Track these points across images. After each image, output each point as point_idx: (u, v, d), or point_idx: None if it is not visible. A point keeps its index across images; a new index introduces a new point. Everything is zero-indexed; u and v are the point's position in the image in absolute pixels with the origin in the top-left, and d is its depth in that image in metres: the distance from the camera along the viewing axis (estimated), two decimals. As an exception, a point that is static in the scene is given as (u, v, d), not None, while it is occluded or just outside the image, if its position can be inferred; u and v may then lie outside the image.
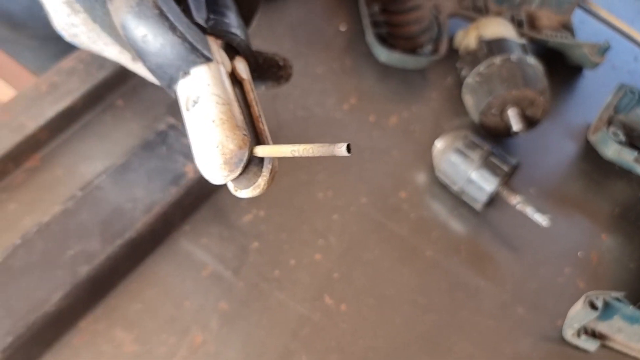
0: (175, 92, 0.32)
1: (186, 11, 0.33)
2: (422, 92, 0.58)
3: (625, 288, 0.50)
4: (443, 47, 0.56)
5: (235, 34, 0.34)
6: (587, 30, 0.67)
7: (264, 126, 0.31)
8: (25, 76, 0.53)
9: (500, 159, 0.49)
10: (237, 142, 0.28)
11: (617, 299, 0.44)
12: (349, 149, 0.25)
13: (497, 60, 0.52)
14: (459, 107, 0.57)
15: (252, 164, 0.29)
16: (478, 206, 0.50)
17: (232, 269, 0.46)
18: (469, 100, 0.54)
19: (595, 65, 0.61)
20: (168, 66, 0.31)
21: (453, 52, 0.59)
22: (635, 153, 0.53)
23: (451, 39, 0.59)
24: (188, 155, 0.46)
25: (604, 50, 0.59)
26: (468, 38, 0.57)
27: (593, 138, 0.56)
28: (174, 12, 0.31)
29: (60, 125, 0.49)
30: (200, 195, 0.47)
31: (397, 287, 0.47)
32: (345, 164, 0.52)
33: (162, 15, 0.30)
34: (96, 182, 0.44)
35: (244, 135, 0.29)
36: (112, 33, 0.36)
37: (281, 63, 0.38)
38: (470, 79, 0.53)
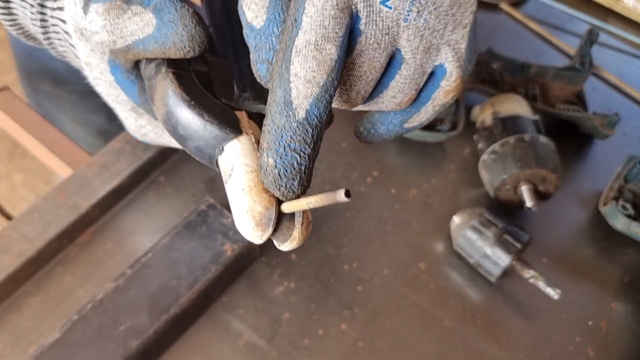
0: (218, 169, 0.35)
1: (215, 92, 0.37)
2: (441, 165, 0.62)
3: (634, 356, 0.53)
4: (461, 124, 0.60)
5: (262, 104, 0.37)
6: (599, 97, 0.71)
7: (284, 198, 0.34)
8: (78, 152, 0.58)
9: (513, 237, 0.53)
10: (264, 204, 0.31)
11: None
12: (347, 194, 0.27)
13: (512, 139, 0.56)
14: (475, 178, 0.60)
15: (284, 219, 0.32)
16: (493, 279, 0.53)
17: (265, 338, 0.50)
18: (484, 175, 0.58)
19: (605, 136, 0.64)
20: (205, 147, 0.34)
21: (470, 124, 0.63)
22: (643, 225, 0.57)
23: (468, 112, 0.63)
24: (227, 234, 0.51)
25: (613, 123, 0.63)
26: (484, 114, 0.61)
27: (603, 210, 0.59)
28: (203, 99, 0.34)
29: (110, 202, 0.54)
30: (237, 270, 0.52)
31: (417, 355, 0.51)
32: (369, 236, 0.56)
33: (192, 105, 0.34)
34: (144, 260, 0.49)
35: (270, 197, 0.31)
36: None
37: None
38: (486, 156, 0.57)
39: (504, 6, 0.78)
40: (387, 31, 0.30)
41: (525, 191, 0.55)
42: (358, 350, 0.50)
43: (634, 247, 0.59)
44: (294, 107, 0.28)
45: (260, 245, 0.54)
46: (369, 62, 0.31)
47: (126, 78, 0.39)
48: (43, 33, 0.42)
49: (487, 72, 0.66)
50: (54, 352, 0.45)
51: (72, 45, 0.40)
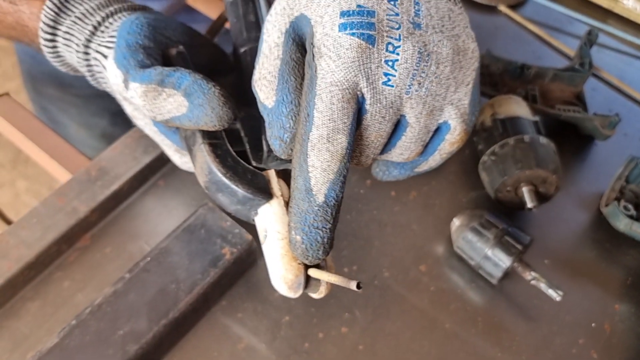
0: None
1: (245, 155, 0.42)
2: (441, 166, 0.61)
3: (638, 358, 0.52)
4: (460, 125, 0.60)
5: (288, 162, 0.41)
6: (599, 98, 0.70)
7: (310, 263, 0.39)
8: (77, 157, 0.58)
9: (514, 238, 0.52)
10: (294, 272, 0.37)
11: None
12: (359, 286, 0.34)
13: (511, 140, 0.56)
14: (476, 180, 0.60)
15: (312, 279, 0.37)
16: (494, 281, 0.53)
17: (265, 342, 0.50)
18: (485, 177, 0.58)
19: (606, 137, 0.64)
20: (242, 210, 0.40)
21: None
22: (645, 226, 0.56)
23: (468, 114, 0.63)
24: (225, 238, 0.50)
25: (614, 124, 0.62)
26: (484, 115, 0.61)
27: (605, 210, 0.59)
28: (236, 170, 0.39)
29: (109, 206, 0.54)
30: (236, 274, 0.52)
31: (417, 358, 0.50)
32: (369, 239, 0.56)
33: (227, 176, 0.39)
34: (142, 264, 0.49)
35: (299, 264, 0.37)
36: None
37: None
38: (486, 158, 0.57)
39: (503, 8, 0.78)
40: (390, 105, 0.34)
41: (525, 192, 0.55)
42: (358, 354, 0.50)
43: (636, 248, 0.59)
44: (313, 193, 0.33)
45: (259, 249, 0.53)
46: (376, 132, 0.35)
47: (168, 129, 0.44)
48: (88, 71, 0.46)
49: (487, 74, 0.66)
50: (52, 357, 0.44)
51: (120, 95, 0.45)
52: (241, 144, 0.43)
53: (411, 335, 0.51)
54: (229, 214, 0.51)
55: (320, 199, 0.33)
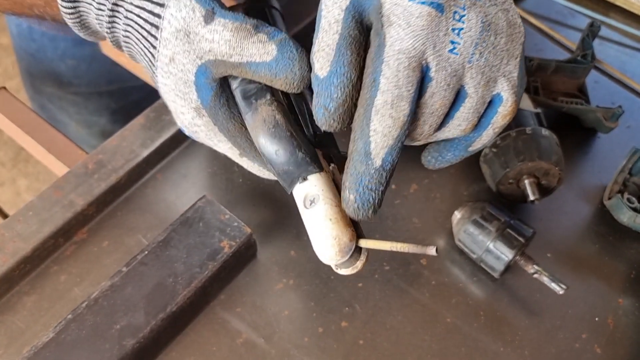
0: (292, 191, 0.41)
1: (300, 128, 0.42)
2: (442, 159, 0.61)
3: (641, 352, 0.52)
4: (461, 118, 0.59)
5: (333, 148, 0.43)
6: (601, 90, 0.70)
7: (358, 221, 0.40)
8: (74, 151, 0.58)
9: (516, 231, 0.52)
10: (349, 236, 0.38)
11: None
12: (437, 250, 0.35)
13: (513, 132, 0.55)
14: (477, 173, 0.59)
15: (355, 251, 0.39)
16: (496, 274, 0.52)
17: (264, 337, 0.49)
18: (486, 170, 0.57)
19: (609, 129, 0.63)
20: (292, 172, 0.40)
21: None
22: (649, 219, 0.55)
23: (469, 107, 0.62)
24: (224, 231, 0.50)
25: (617, 115, 0.62)
26: (485, 107, 0.60)
27: (608, 203, 0.58)
28: (298, 133, 0.40)
29: (106, 200, 0.54)
30: (235, 267, 0.51)
31: (418, 353, 0.50)
32: (369, 232, 0.55)
33: (292, 136, 0.39)
34: (140, 257, 0.48)
35: (353, 231, 0.38)
36: (227, 134, 0.44)
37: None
38: (487, 150, 0.56)
39: (505, 1, 0.77)
40: (454, 73, 0.35)
41: (528, 185, 0.54)
42: (359, 348, 0.49)
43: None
44: (372, 157, 0.35)
45: (259, 243, 0.53)
46: (441, 100, 0.36)
47: (208, 83, 0.42)
48: (110, 17, 0.44)
49: (488, 66, 0.65)
50: (48, 352, 0.44)
51: (154, 37, 0.43)
52: (295, 119, 0.43)
53: (412, 330, 0.51)
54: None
55: (378, 162, 0.35)
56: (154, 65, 0.44)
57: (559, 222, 0.59)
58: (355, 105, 0.37)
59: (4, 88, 0.64)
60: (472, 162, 0.61)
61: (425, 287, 0.53)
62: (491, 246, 0.51)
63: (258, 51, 0.39)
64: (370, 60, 0.36)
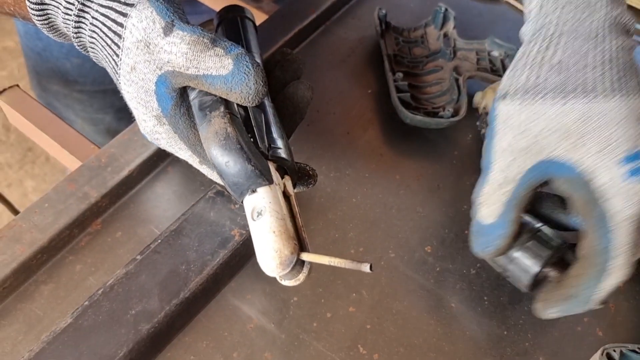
0: (242, 203, 0.43)
1: (254, 141, 0.44)
2: (445, 151, 0.63)
3: (642, 335, 0.53)
4: (463, 110, 0.60)
5: (287, 160, 0.45)
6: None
7: (304, 234, 0.43)
8: (87, 146, 0.60)
9: (543, 240, 0.48)
10: (291, 249, 0.39)
11: (635, 351, 0.47)
12: (371, 267, 0.38)
13: (514, 122, 0.56)
14: (479, 163, 0.61)
15: (297, 264, 0.40)
16: (523, 288, 0.50)
17: (274, 322, 0.51)
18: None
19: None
20: (241, 184, 0.41)
21: (473, 110, 0.64)
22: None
23: (470, 99, 0.64)
24: (234, 220, 0.51)
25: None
26: (486, 99, 0.61)
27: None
28: (249, 146, 0.41)
29: (119, 192, 0.55)
30: (245, 255, 0.52)
31: (424, 336, 0.51)
32: (375, 222, 0.57)
33: (242, 149, 0.40)
34: (153, 246, 0.50)
35: (295, 244, 0.40)
36: (187, 143, 0.45)
37: (311, 172, 0.49)
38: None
39: (505, -4, 0.79)
40: None
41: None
42: (366, 332, 0.51)
43: None
44: (592, 305, 0.45)
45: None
46: None
47: (168, 93, 0.44)
48: (76, 22, 0.45)
49: (489, 60, 0.67)
50: (66, 337, 0.45)
51: (117, 45, 0.43)
52: (249, 131, 0.44)
53: (417, 314, 0.52)
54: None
55: (592, 305, 0.44)
56: (117, 73, 0.45)
57: (560, 210, 0.60)
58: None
59: (17, 85, 0.66)
60: (475, 153, 0.62)
61: (430, 274, 0.54)
62: (515, 255, 0.48)
63: (214, 65, 0.40)
64: (591, 227, 0.42)
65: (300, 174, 0.49)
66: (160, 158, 0.58)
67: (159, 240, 0.50)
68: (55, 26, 0.49)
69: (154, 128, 0.47)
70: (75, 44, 0.48)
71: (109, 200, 0.55)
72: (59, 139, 0.60)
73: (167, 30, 0.42)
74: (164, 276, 0.49)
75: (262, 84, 0.41)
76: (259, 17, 0.71)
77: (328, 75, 0.67)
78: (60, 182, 0.54)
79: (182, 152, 0.49)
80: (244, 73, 0.40)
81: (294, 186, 0.47)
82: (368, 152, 0.61)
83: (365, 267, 0.38)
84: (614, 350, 0.47)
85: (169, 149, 0.49)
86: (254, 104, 0.42)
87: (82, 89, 0.94)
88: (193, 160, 0.49)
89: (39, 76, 0.96)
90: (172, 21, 0.42)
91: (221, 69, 0.41)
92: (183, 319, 0.49)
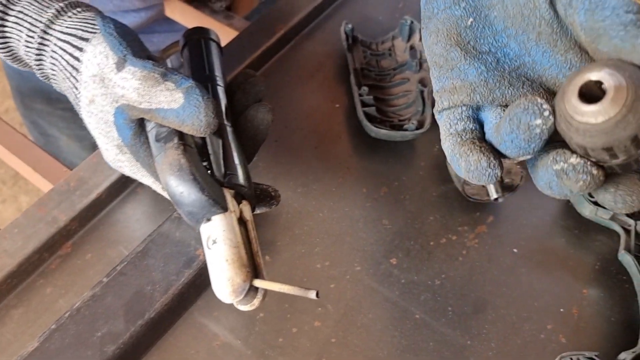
0: (199, 231, 0.44)
1: (209, 168, 0.45)
2: (411, 162, 0.63)
3: (606, 342, 0.54)
4: (427, 122, 0.61)
5: (244, 186, 0.46)
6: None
7: (260, 260, 0.44)
8: (59, 169, 0.61)
9: None
10: (243, 277, 0.41)
11: (591, 359, 0.48)
12: (317, 295, 0.40)
13: (474, 134, 0.57)
14: (445, 174, 0.62)
15: (251, 289, 0.42)
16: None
17: (241, 339, 0.52)
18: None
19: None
20: (196, 213, 0.42)
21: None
22: (610, 212, 0.57)
23: (436, 110, 0.65)
24: (199, 240, 0.52)
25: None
26: (450, 110, 0.62)
27: (571, 198, 0.60)
28: (203, 176, 0.42)
29: (88, 215, 0.56)
30: (210, 274, 0.53)
31: (388, 349, 0.52)
32: (341, 235, 0.58)
33: (195, 179, 0.41)
34: (119, 268, 0.51)
35: (248, 271, 0.41)
36: (149, 170, 0.47)
37: (273, 193, 0.50)
38: (451, 152, 0.59)
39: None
40: None
41: (490, 184, 0.56)
42: (331, 346, 0.52)
43: (605, 234, 0.60)
44: None
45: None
46: None
47: (126, 124, 0.46)
48: (37, 54, 0.47)
49: (455, 70, 0.67)
50: (34, 360, 0.47)
51: (75, 79, 0.45)
52: (204, 159, 0.46)
53: (382, 327, 0.53)
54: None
55: None
56: (78, 105, 0.47)
57: (526, 218, 0.61)
58: None
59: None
60: (441, 164, 0.63)
61: (395, 286, 0.55)
62: None
63: (166, 99, 0.42)
64: None
65: (262, 196, 0.51)
66: (130, 180, 0.59)
67: (125, 262, 0.51)
68: (17, 57, 0.50)
69: (116, 157, 0.49)
70: (38, 75, 0.50)
71: (79, 223, 0.56)
72: (32, 164, 0.62)
73: (120, 65, 0.43)
74: (130, 297, 0.50)
75: (212, 115, 0.42)
76: (231, 34, 0.72)
77: (297, 90, 0.68)
78: (30, 207, 0.55)
79: (145, 178, 0.50)
80: (195, 106, 0.42)
81: (253, 210, 0.48)
82: (335, 166, 0.62)
83: (312, 294, 0.40)
84: (571, 359, 0.48)
85: (133, 176, 0.51)
86: (206, 134, 0.43)
87: (65, 106, 0.96)
88: (156, 187, 0.50)
89: (22, 95, 0.98)
90: (125, 56, 0.44)
91: (172, 102, 0.42)
92: (149, 339, 0.50)
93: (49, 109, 0.97)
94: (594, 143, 0.34)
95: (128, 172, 0.50)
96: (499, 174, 0.41)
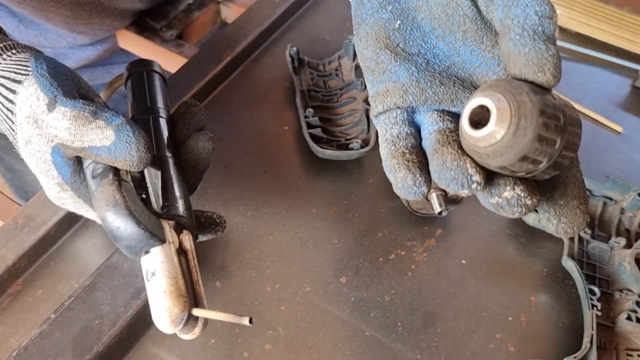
0: (140, 264, 0.45)
1: (146, 200, 0.46)
2: (360, 180, 0.64)
3: (553, 347, 0.54)
4: (372, 140, 0.62)
5: (183, 217, 0.46)
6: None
7: (200, 289, 0.45)
8: (10, 205, 0.61)
9: None
10: (180, 308, 0.42)
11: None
12: (250, 321, 0.41)
13: (416, 150, 0.58)
14: (393, 191, 0.62)
15: (191, 319, 0.43)
16: None
17: (192, 367, 0.52)
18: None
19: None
20: (135, 247, 0.43)
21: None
22: (552, 219, 0.59)
23: (383, 127, 0.66)
24: (145, 271, 0.53)
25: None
26: (395, 127, 0.63)
27: (516, 207, 0.61)
28: (140, 209, 0.43)
29: (38, 251, 0.57)
30: (160, 304, 0.54)
31: (341, 368, 0.53)
32: (291, 257, 0.59)
33: (131, 214, 0.42)
34: (67, 303, 0.51)
35: (185, 301, 0.42)
36: (92, 205, 0.47)
37: (218, 220, 0.51)
38: (395, 168, 0.60)
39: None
40: None
41: (433, 198, 0.57)
42: (283, 369, 0.52)
43: (551, 240, 0.61)
44: None
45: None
46: None
47: (64, 162, 0.46)
48: None
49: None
50: (-17, 401, 0.47)
51: (11, 121, 0.45)
52: (142, 192, 0.47)
53: (332, 346, 0.54)
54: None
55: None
56: (16, 146, 0.48)
57: (474, 229, 0.62)
58: None
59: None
60: (388, 180, 0.64)
61: (344, 304, 0.56)
62: None
63: (97, 137, 0.43)
64: None
65: (206, 224, 0.51)
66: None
67: (73, 297, 0.52)
68: None
69: (58, 194, 0.50)
70: None
71: (28, 260, 0.56)
72: (-16, 202, 0.62)
73: (50, 106, 0.44)
74: (78, 332, 0.50)
75: (144, 150, 0.43)
76: (183, 63, 0.73)
77: (245, 115, 0.69)
78: (-22, 247, 0.55)
79: (89, 213, 0.51)
80: (126, 142, 0.43)
81: (195, 239, 0.49)
82: (285, 188, 0.63)
83: (245, 321, 0.41)
84: (513, 368, 0.48)
85: (77, 212, 0.51)
86: (139, 169, 0.44)
87: None
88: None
89: (-16, 132, 0.98)
90: (55, 97, 0.44)
91: (104, 140, 0.43)
92: (99, 373, 0.50)
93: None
94: (509, 160, 0.35)
95: (72, 208, 0.51)
96: (425, 191, 0.42)
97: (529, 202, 0.37)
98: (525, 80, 0.35)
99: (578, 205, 0.39)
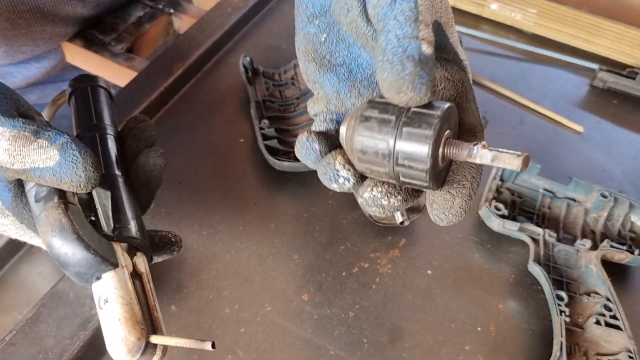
0: (91, 291, 0.41)
1: (96, 222, 0.43)
2: (320, 192, 0.62)
3: (524, 353, 0.53)
4: (330, 149, 0.60)
5: (136, 238, 0.44)
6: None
7: (158, 313, 0.42)
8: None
9: (423, 112, 0.35)
10: (137, 336, 0.39)
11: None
12: (213, 345, 0.37)
13: (375, 158, 0.56)
14: (354, 201, 0.61)
15: (149, 347, 0.40)
16: (425, 181, 0.37)
17: (147, 398, 0.49)
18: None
19: (477, 140, 0.65)
20: (85, 273, 0.40)
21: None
22: (517, 224, 0.57)
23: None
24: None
25: (481, 126, 0.64)
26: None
27: (480, 213, 0.60)
28: (89, 233, 0.40)
29: (-23, 283, 0.53)
30: (110, 333, 0.51)
31: (305, 390, 0.50)
32: (250, 276, 0.56)
33: (79, 238, 0.39)
34: (8, 338, 0.48)
35: (142, 329, 0.39)
36: (36, 231, 0.44)
37: (173, 239, 0.48)
38: (355, 178, 0.58)
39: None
40: None
41: (394, 208, 0.55)
42: (244, 395, 0.50)
43: (517, 245, 0.60)
44: None
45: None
46: None
47: (4, 186, 0.43)
48: None
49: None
50: None
51: None
52: (91, 214, 0.44)
53: (296, 368, 0.51)
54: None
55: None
56: None
57: (439, 237, 0.60)
58: None
59: None
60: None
61: (307, 323, 0.54)
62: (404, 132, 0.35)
63: (40, 157, 0.40)
64: None
65: (161, 244, 0.48)
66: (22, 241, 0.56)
67: (14, 331, 0.48)
68: None
69: None
70: None
71: (-33, 293, 0.52)
72: None
73: None
74: (20, 369, 0.47)
75: (92, 170, 0.40)
76: (133, 77, 0.70)
77: (199, 129, 0.66)
78: None
79: (33, 240, 0.48)
80: (72, 162, 0.40)
81: (150, 260, 0.46)
82: (242, 204, 0.61)
83: (207, 346, 0.38)
84: (483, 381, 0.47)
85: (20, 239, 0.48)
86: (87, 191, 0.41)
87: None
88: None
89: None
90: None
91: (47, 160, 0.40)
92: (45, 411, 0.47)
93: None
94: (349, 154, 0.40)
95: (14, 235, 0.48)
96: (350, 181, 0.41)
97: (384, 203, 0.39)
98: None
99: (448, 189, 0.40)
